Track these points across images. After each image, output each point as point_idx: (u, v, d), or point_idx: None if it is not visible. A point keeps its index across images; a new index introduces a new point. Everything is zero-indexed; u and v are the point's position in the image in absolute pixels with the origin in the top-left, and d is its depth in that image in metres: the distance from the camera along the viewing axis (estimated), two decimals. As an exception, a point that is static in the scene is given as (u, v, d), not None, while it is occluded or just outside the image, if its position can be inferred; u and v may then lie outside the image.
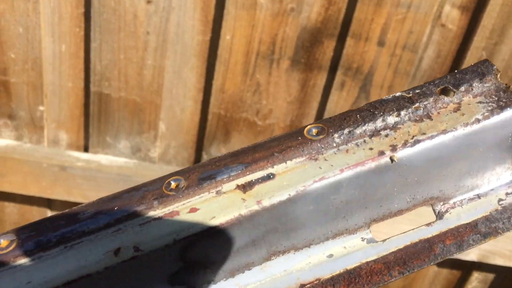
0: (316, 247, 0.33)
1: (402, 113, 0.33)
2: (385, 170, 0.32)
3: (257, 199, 0.31)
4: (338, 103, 1.09)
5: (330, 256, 0.33)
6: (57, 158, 1.12)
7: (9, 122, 1.12)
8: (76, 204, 1.19)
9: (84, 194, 1.14)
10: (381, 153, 0.32)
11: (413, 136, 0.32)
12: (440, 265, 1.31)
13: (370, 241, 0.33)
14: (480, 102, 0.33)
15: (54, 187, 1.14)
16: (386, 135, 0.32)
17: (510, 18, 0.99)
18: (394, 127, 0.32)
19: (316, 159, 0.32)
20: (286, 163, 0.32)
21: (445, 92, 0.35)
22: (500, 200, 0.34)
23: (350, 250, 0.33)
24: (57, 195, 1.15)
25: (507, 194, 0.34)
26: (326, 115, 1.11)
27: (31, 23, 1.00)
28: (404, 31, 1.00)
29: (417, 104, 0.33)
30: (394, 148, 0.32)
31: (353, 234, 0.33)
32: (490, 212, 0.34)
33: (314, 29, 1.01)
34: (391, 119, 0.32)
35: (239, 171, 0.32)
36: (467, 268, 1.30)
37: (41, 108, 1.10)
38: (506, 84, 0.34)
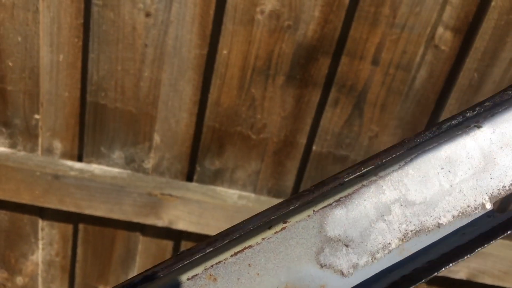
0: (445, 227, 0.36)
1: (477, 108, 0.37)
2: (477, 138, 0.36)
3: (374, 173, 0.36)
4: (332, 119, 1.11)
5: (463, 235, 0.36)
6: (51, 167, 1.12)
7: (4, 130, 1.12)
8: (68, 213, 1.19)
9: (77, 204, 1.15)
10: (467, 126, 0.37)
11: (490, 112, 0.36)
12: (430, 283, 1.31)
13: (495, 217, 0.36)
14: None
15: (46, 195, 1.14)
16: (469, 122, 0.37)
17: (502, 41, 1.01)
18: (473, 117, 0.37)
19: (415, 146, 0.36)
20: (391, 156, 0.36)
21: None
22: None
23: (479, 227, 0.36)
24: (49, 204, 1.15)
25: None
26: (319, 131, 1.12)
27: (30, 32, 1.01)
28: (398, 51, 1.02)
29: (486, 103, 0.38)
30: (477, 121, 0.36)
31: (478, 212, 0.36)
32: None
33: (309, 46, 1.03)
34: (469, 114, 0.37)
35: (356, 169, 0.36)
36: (457, 286, 1.30)
37: (36, 116, 1.10)
38: None
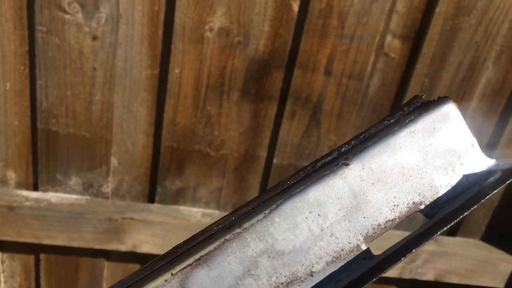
0: (319, 274, 0.33)
1: (352, 142, 0.36)
2: (346, 176, 0.34)
3: (239, 225, 0.33)
4: (290, 131, 1.11)
5: (337, 282, 0.33)
6: (5, 198, 1.09)
7: (-47, 163, 1.08)
8: (27, 244, 1.16)
9: (35, 234, 1.11)
10: (335, 164, 0.34)
11: (360, 147, 0.35)
12: (400, 285, 1.32)
13: (372, 257, 0.34)
14: (411, 113, 0.37)
15: (3, 228, 1.10)
16: (341, 158, 0.35)
17: (448, 45, 1.03)
18: (347, 152, 0.36)
19: (286, 190, 0.35)
20: (263, 202, 0.34)
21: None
22: (481, 184, 0.36)
23: (355, 271, 0.34)
24: (6, 237, 1.11)
25: (486, 179, 0.36)
26: (279, 144, 1.12)
27: (-28, 62, 0.98)
28: (349, 61, 1.03)
29: (362, 135, 0.37)
30: (346, 158, 0.35)
31: (352, 255, 0.34)
32: (473, 193, 0.36)
33: (262, 60, 1.03)
34: (344, 149, 0.36)
35: (226, 219, 0.34)
36: (425, 287, 1.32)
37: (-14, 147, 1.07)
38: (432, 99, 0.38)
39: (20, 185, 1.12)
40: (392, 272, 1.24)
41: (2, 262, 1.22)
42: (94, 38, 0.97)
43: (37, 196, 1.10)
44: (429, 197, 0.35)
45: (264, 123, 1.10)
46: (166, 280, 0.32)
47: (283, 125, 1.10)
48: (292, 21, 0.99)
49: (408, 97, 1.07)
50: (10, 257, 1.21)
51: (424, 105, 0.36)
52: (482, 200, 0.34)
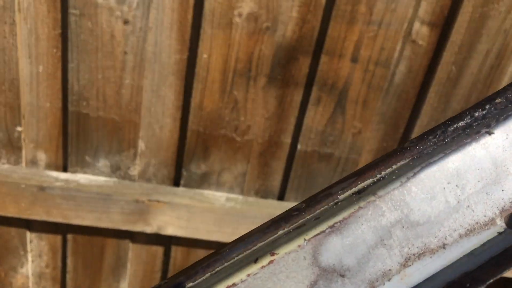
0: (452, 247, 0.32)
1: (487, 106, 0.33)
2: (488, 146, 0.32)
3: (373, 193, 0.32)
4: (315, 118, 1.12)
5: (471, 255, 0.32)
6: (36, 179, 1.12)
7: (-14, 143, 1.11)
8: (56, 224, 1.19)
9: (64, 214, 1.14)
10: (477, 132, 0.33)
11: (503, 114, 0.33)
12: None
13: (508, 233, 0.32)
14: None
15: (33, 207, 1.13)
16: (478, 124, 0.33)
17: (477, 33, 1.02)
18: (483, 118, 0.33)
19: (419, 157, 0.32)
20: (391, 167, 0.32)
21: None
22: None
23: (490, 246, 0.32)
24: (36, 216, 1.15)
25: None
26: (303, 130, 1.13)
27: (7, 44, 1.00)
28: (376, 48, 1.03)
29: (498, 99, 0.34)
30: (488, 126, 0.33)
31: (488, 229, 0.32)
32: None
33: (289, 46, 1.03)
34: (478, 114, 0.33)
35: (352, 183, 0.32)
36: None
37: (18, 128, 1.10)
38: None
39: (50, 166, 1.15)
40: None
41: (30, 242, 1.25)
42: (126, 22, 0.99)
43: (67, 177, 1.13)
44: None
45: (289, 109, 1.11)
46: (299, 246, 0.31)
47: (308, 112, 1.11)
48: (321, 7, 0.99)
49: (434, 84, 1.08)
50: (38, 237, 1.25)
51: None
52: None
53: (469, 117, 0.33)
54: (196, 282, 0.30)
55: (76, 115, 1.09)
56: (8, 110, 1.07)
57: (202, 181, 1.19)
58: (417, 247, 0.32)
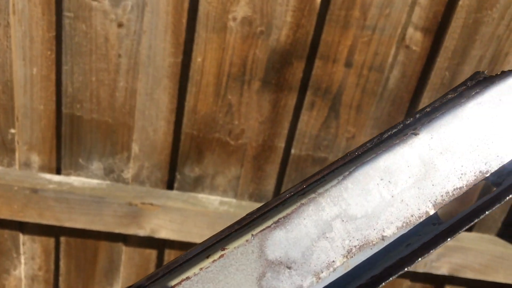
0: (390, 239, 0.35)
1: (417, 115, 0.37)
2: (415, 145, 0.35)
3: (313, 191, 0.34)
4: (309, 122, 1.12)
5: (408, 245, 0.35)
6: (29, 181, 1.11)
7: (-20, 145, 1.11)
8: (48, 226, 1.18)
9: (57, 217, 1.14)
10: (405, 134, 0.36)
11: (428, 117, 0.36)
12: (414, 279, 1.33)
13: (441, 222, 0.36)
14: (476, 86, 0.38)
15: (25, 210, 1.13)
16: (408, 129, 0.37)
17: (471, 39, 1.03)
18: (412, 124, 0.37)
19: (355, 159, 0.36)
20: (333, 171, 0.36)
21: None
22: None
23: (424, 236, 0.36)
24: (29, 218, 1.14)
25: None
26: (297, 134, 1.13)
27: (2, 46, 1.00)
28: (370, 53, 1.03)
29: (427, 109, 0.38)
30: (414, 128, 0.36)
31: (422, 220, 0.35)
32: None
33: (283, 51, 1.04)
34: (409, 121, 0.37)
35: (298, 187, 0.36)
36: (440, 281, 1.32)
37: (12, 131, 1.09)
38: (496, 73, 0.39)
39: (44, 169, 1.14)
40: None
41: (23, 244, 1.25)
42: (120, 25, 0.99)
43: (60, 179, 1.13)
44: (495, 166, 0.36)
45: (283, 113, 1.11)
46: (247, 240, 0.33)
47: (302, 116, 1.11)
48: (315, 11, 0.99)
49: (428, 90, 1.08)
50: (31, 239, 1.24)
51: (488, 79, 0.38)
52: None
53: (401, 125, 0.37)
54: (155, 281, 0.33)
55: (69, 118, 1.08)
56: (1, 112, 1.07)
57: (196, 185, 1.19)
58: (357, 239, 0.35)
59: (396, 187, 0.35)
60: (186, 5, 0.99)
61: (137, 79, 1.05)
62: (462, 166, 0.36)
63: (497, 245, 1.25)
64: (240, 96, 1.08)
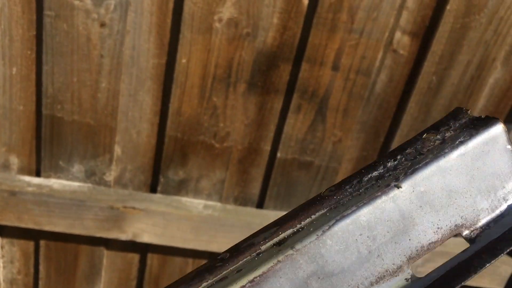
0: None
1: (398, 157, 0.37)
2: (396, 199, 0.35)
3: (291, 246, 0.34)
4: (295, 125, 1.10)
5: None
6: (7, 183, 1.08)
7: (-44, 146, 1.08)
8: (28, 230, 1.15)
9: (36, 220, 1.11)
10: (387, 185, 0.35)
11: (411, 167, 0.36)
12: None
13: (414, 279, 0.35)
14: (460, 132, 0.37)
15: (4, 213, 1.10)
16: (389, 175, 0.36)
17: (458, 44, 1.02)
18: (394, 169, 0.36)
19: (335, 207, 0.35)
20: (311, 217, 0.35)
21: (430, 136, 0.40)
22: None
23: None
24: (7, 221, 1.11)
25: None
26: (283, 137, 1.11)
27: (-21, 45, 0.97)
28: (357, 56, 1.02)
29: (408, 149, 0.37)
30: (397, 179, 0.35)
31: (396, 276, 0.35)
32: None
33: (270, 53, 1.02)
34: (390, 164, 0.36)
35: (273, 233, 0.35)
36: None
37: (-10, 131, 1.06)
38: (478, 115, 0.39)
39: (23, 171, 1.11)
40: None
41: (2, 247, 1.22)
42: (102, 25, 0.97)
43: (39, 182, 1.10)
44: (470, 220, 0.36)
45: (269, 116, 1.09)
46: None
47: (289, 119, 1.09)
48: (302, 14, 0.98)
49: (415, 94, 1.07)
50: (10, 243, 1.21)
51: (472, 123, 0.37)
52: None
53: (382, 167, 0.36)
54: None
55: (50, 119, 1.06)
56: (-21, 112, 1.04)
57: (180, 188, 1.17)
58: None
59: (374, 242, 0.34)
60: (170, 5, 0.97)
61: (120, 80, 1.02)
62: (439, 220, 0.35)
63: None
64: (226, 99, 1.07)
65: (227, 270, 0.33)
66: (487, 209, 0.36)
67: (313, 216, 0.34)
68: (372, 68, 1.04)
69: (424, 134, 0.37)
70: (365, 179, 0.35)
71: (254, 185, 1.18)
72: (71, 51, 0.99)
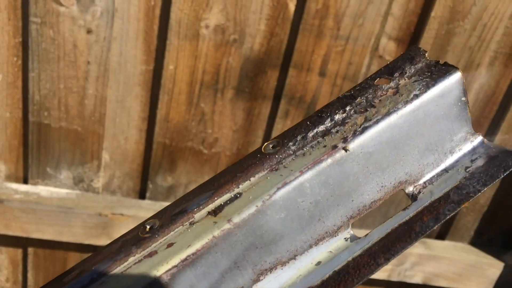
0: (302, 257, 0.33)
1: (347, 108, 0.33)
2: (343, 162, 0.33)
3: (228, 218, 0.31)
4: (283, 131, 1.11)
5: (318, 263, 0.33)
6: (-6, 191, 1.08)
7: None
8: (16, 237, 1.14)
9: (23, 227, 1.10)
10: (334, 147, 0.32)
11: (360, 125, 0.33)
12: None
13: (353, 238, 0.33)
14: (415, 81, 0.34)
15: (-10, 220, 1.09)
16: (337, 131, 0.33)
17: (443, 50, 1.03)
18: (342, 123, 0.33)
19: (276, 169, 0.33)
20: (250, 180, 0.32)
21: (382, 82, 0.37)
22: (466, 167, 0.35)
23: (336, 252, 0.33)
24: (-6, 229, 1.10)
25: (472, 161, 0.35)
26: (271, 143, 1.12)
27: (-35, 52, 0.97)
28: (344, 62, 1.03)
29: (359, 99, 0.34)
30: (345, 139, 0.33)
31: (335, 236, 0.33)
32: (459, 181, 0.34)
33: (257, 59, 1.03)
34: (338, 117, 0.33)
35: (208, 199, 0.32)
36: (414, 290, 1.32)
37: (-24, 139, 1.06)
38: (435, 60, 0.36)
39: (10, 178, 1.11)
40: (380, 274, 1.24)
41: (-11, 255, 1.21)
42: (89, 31, 0.97)
43: (27, 189, 1.09)
44: (414, 176, 0.34)
45: (257, 122, 1.10)
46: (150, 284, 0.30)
47: (277, 124, 1.10)
48: (288, 20, 0.99)
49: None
50: (-2, 250, 1.20)
51: (429, 69, 0.34)
52: (474, 197, 0.33)
53: (329, 120, 0.33)
54: None
55: (37, 126, 1.05)
56: (-35, 120, 1.04)
57: (169, 194, 1.17)
58: (269, 263, 0.32)
59: (317, 207, 0.32)
60: (157, 12, 0.97)
61: (107, 87, 1.02)
62: (384, 179, 0.33)
63: (470, 254, 1.26)
64: (214, 105, 1.07)
65: (157, 243, 0.29)
66: (432, 163, 0.34)
67: (252, 179, 0.31)
68: (358, 74, 1.04)
69: (376, 79, 0.34)
70: (310, 134, 0.33)
71: (242, 190, 1.18)
72: (57, 58, 0.99)
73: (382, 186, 0.34)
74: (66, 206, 1.08)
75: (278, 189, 0.32)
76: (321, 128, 0.33)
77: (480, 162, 0.35)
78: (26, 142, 1.07)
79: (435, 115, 0.34)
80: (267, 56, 1.02)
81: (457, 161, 0.35)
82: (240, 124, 1.09)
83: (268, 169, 0.32)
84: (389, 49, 1.03)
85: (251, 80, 1.05)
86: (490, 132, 1.14)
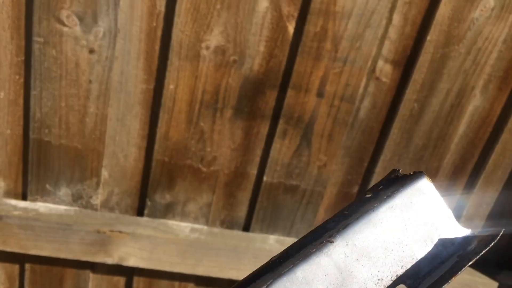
0: None
1: (336, 218, 0.37)
2: (331, 254, 0.35)
3: None
4: (281, 150, 1.12)
5: None
6: (-7, 207, 1.08)
7: None
8: (13, 253, 1.15)
9: (21, 244, 1.10)
10: (321, 242, 0.36)
11: (344, 224, 0.37)
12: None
13: None
14: (388, 188, 0.39)
15: (-12, 236, 1.09)
16: (326, 234, 0.37)
17: (438, 73, 1.05)
18: (331, 228, 0.37)
19: (272, 271, 0.36)
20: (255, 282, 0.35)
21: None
22: (459, 255, 0.37)
23: None
24: (-9, 245, 1.11)
25: (464, 249, 0.38)
26: (269, 162, 1.13)
27: (-32, 70, 0.98)
28: (341, 84, 1.05)
29: (346, 211, 0.38)
30: (330, 235, 0.36)
31: None
32: (452, 265, 0.37)
33: (256, 80, 1.04)
34: (330, 225, 0.37)
35: None
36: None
37: (-24, 155, 1.06)
38: (409, 173, 0.39)
39: (9, 194, 1.11)
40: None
41: (-14, 271, 1.21)
42: (91, 51, 0.98)
43: (26, 205, 1.10)
44: (411, 269, 0.37)
45: (256, 141, 1.11)
46: None
47: (275, 144, 1.11)
48: (287, 42, 1.01)
49: (397, 121, 1.10)
50: (-6, 266, 1.20)
51: (400, 180, 0.38)
52: (459, 272, 0.35)
53: (321, 229, 0.37)
54: None
55: (37, 143, 1.06)
56: (-34, 136, 1.04)
57: (167, 211, 1.17)
58: None
59: None
60: (159, 33, 0.98)
61: (108, 105, 1.04)
62: (378, 271, 0.36)
63: (465, 273, 1.27)
64: (213, 124, 1.08)
65: None
66: (426, 257, 0.37)
67: (256, 281, 0.35)
68: (355, 95, 1.06)
69: (361, 196, 0.39)
70: (307, 240, 0.36)
71: (240, 208, 1.19)
72: (59, 77, 1.00)
73: (379, 279, 0.36)
74: (65, 222, 1.09)
75: (274, 279, 0.34)
76: (314, 234, 0.36)
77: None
78: (26, 159, 1.08)
79: (414, 212, 0.38)
80: (266, 77, 1.04)
81: (451, 253, 0.38)
82: (238, 143, 1.11)
83: (269, 270, 0.35)
84: (386, 71, 1.05)
85: (250, 100, 1.06)
86: (485, 153, 1.16)
